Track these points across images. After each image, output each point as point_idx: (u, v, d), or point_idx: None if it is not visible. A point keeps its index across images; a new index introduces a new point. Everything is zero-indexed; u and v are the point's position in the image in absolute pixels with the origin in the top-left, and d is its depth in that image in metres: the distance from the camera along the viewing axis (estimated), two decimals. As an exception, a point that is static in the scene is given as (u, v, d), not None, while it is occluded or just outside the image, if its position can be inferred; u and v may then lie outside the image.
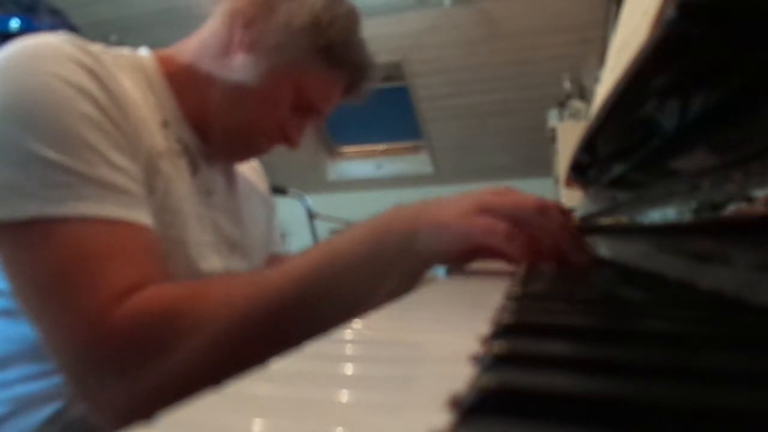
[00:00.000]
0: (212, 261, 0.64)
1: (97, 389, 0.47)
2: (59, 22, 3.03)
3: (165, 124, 0.63)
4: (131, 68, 0.62)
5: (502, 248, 0.49)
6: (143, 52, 0.67)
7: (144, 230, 0.52)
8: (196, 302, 0.48)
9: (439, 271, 0.59)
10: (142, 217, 0.52)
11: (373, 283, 0.50)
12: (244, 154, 0.74)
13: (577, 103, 2.54)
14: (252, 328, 0.48)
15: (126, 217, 0.50)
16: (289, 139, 0.71)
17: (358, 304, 0.47)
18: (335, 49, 0.66)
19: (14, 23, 2.77)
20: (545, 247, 0.52)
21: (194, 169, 0.66)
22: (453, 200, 0.52)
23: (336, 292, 0.49)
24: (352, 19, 0.68)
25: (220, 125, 0.67)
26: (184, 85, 0.66)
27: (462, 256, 0.54)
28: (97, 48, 0.58)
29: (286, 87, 0.66)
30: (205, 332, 0.47)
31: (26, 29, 2.72)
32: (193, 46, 0.67)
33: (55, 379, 0.54)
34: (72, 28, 3.03)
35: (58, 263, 0.47)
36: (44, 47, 0.52)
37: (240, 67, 0.64)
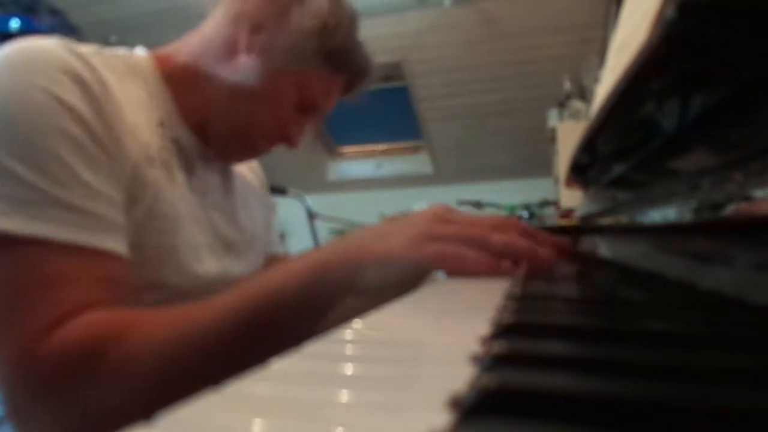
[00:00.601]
0: (208, 263, 0.64)
1: (26, 414, 0.47)
2: (59, 22, 3.03)
3: (160, 124, 0.63)
4: (126, 69, 0.62)
5: (460, 270, 0.48)
6: (140, 51, 0.67)
7: (103, 256, 0.51)
8: (124, 334, 0.46)
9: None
10: (105, 242, 0.51)
11: (309, 319, 0.49)
12: (243, 155, 0.74)
13: (577, 103, 2.54)
14: (179, 364, 0.46)
15: (84, 242, 0.49)
16: (289, 139, 0.71)
17: (294, 339, 0.46)
18: (339, 52, 0.66)
19: (14, 23, 2.77)
20: (512, 256, 0.50)
21: (190, 169, 0.66)
22: (396, 230, 0.50)
23: (269, 328, 0.48)
24: (353, 22, 0.68)
25: (220, 125, 0.67)
26: (183, 84, 0.66)
27: (415, 284, 0.52)
28: (90, 50, 0.57)
29: (289, 90, 0.66)
30: (130, 368, 0.46)
31: (26, 29, 2.72)
32: (194, 46, 0.67)
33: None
34: (72, 28, 3.03)
35: (2, 283, 0.47)
36: (35, 54, 0.51)
37: (244, 70, 0.64)
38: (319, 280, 0.49)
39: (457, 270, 0.48)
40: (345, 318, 0.41)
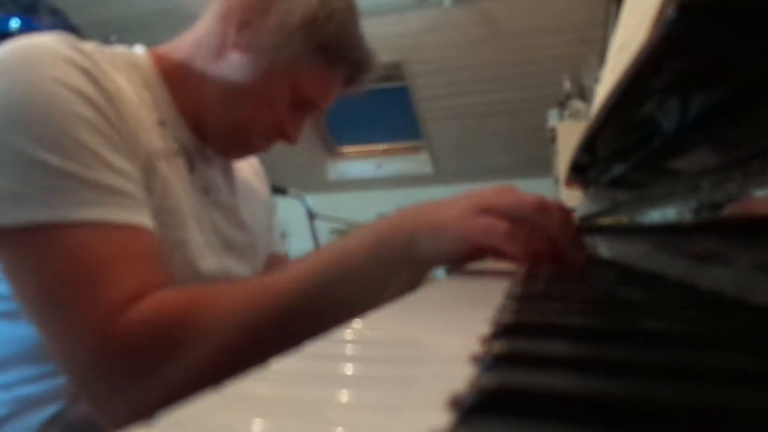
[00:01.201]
0: (211, 260, 0.64)
1: (104, 395, 0.47)
2: (59, 22, 3.03)
3: (161, 123, 0.63)
4: (126, 66, 0.62)
5: (503, 248, 0.48)
6: (138, 49, 0.67)
7: (145, 233, 0.52)
8: (202, 309, 0.48)
9: (439, 271, 0.58)
10: (144, 219, 0.52)
11: (376, 287, 0.50)
12: (242, 152, 0.74)
13: (577, 103, 2.54)
14: (256, 334, 0.48)
15: (127, 220, 0.50)
16: (287, 136, 0.70)
17: (361, 308, 0.47)
18: (333, 45, 0.65)
19: (14, 23, 2.77)
20: (544, 245, 0.51)
21: (191, 167, 0.66)
22: (453, 201, 0.52)
23: (339, 297, 0.49)
24: (349, 14, 0.67)
25: (217, 123, 0.67)
26: (180, 82, 0.66)
27: (464, 257, 0.53)
28: (91, 47, 0.57)
29: (282, 85, 0.66)
30: (209, 340, 0.47)
31: (26, 29, 2.72)
32: (187, 44, 0.67)
33: (55, 381, 0.53)
34: (72, 28, 3.03)
35: (62, 270, 0.47)
36: (39, 49, 0.52)
37: (235, 67, 0.64)
38: (384, 248, 0.50)
39: (500, 249, 0.49)
40: (401, 292, 0.42)
